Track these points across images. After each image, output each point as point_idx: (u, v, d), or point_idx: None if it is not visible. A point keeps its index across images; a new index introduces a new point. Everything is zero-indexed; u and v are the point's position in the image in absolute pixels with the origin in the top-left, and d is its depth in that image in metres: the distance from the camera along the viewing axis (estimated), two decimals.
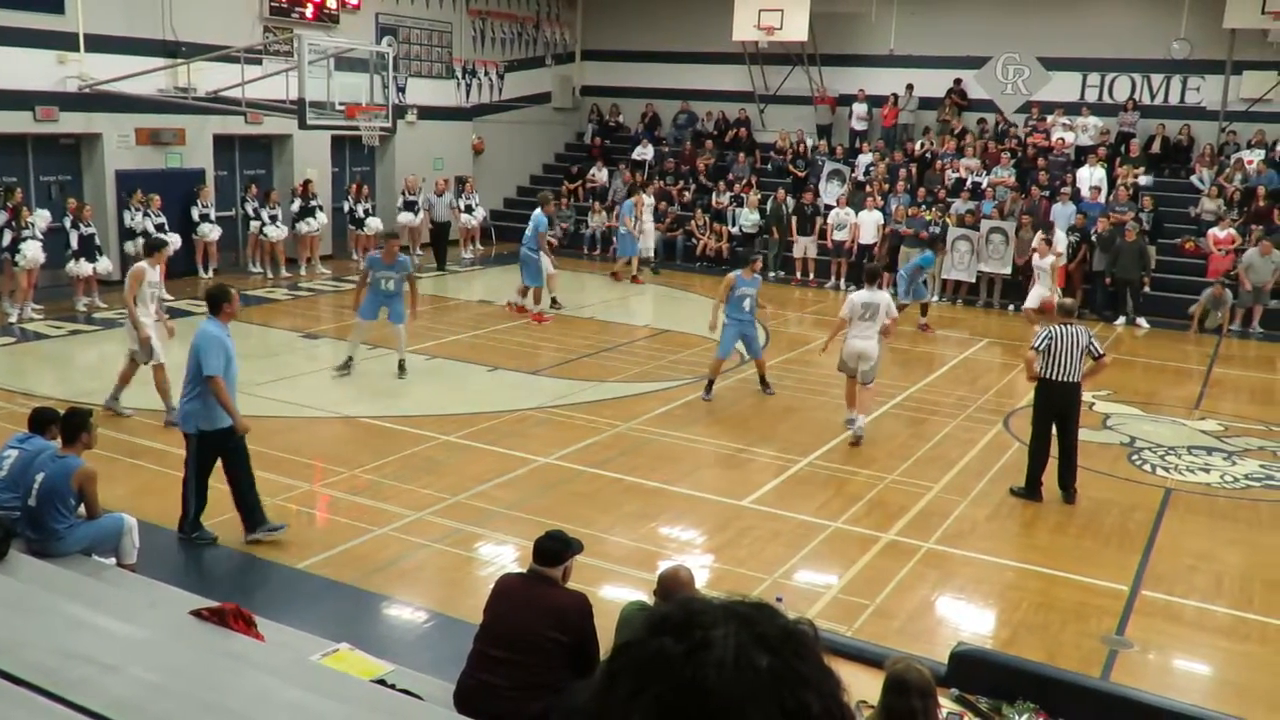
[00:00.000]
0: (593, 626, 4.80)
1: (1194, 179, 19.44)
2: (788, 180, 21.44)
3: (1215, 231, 17.23)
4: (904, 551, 7.71)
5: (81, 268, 14.57)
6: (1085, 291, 17.54)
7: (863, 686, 4.38)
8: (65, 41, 15.28)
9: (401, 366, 11.98)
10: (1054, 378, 8.60)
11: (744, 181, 21.50)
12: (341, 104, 15.72)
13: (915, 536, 7.97)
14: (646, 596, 5.39)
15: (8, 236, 13.75)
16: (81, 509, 6.28)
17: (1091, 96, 21.22)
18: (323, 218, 18.56)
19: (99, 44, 15.55)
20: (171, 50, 16.55)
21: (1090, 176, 19.01)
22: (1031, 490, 8.87)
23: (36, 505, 6.06)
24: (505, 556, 7.35)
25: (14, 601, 4.98)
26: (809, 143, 22.33)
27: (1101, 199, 18.47)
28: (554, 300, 15.70)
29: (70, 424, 6.39)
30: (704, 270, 19.74)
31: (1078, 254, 17.36)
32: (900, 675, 3.92)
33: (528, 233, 15.01)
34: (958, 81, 21.99)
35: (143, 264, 10.09)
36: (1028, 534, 8.26)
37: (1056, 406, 8.75)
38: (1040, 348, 8.57)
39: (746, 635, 1.06)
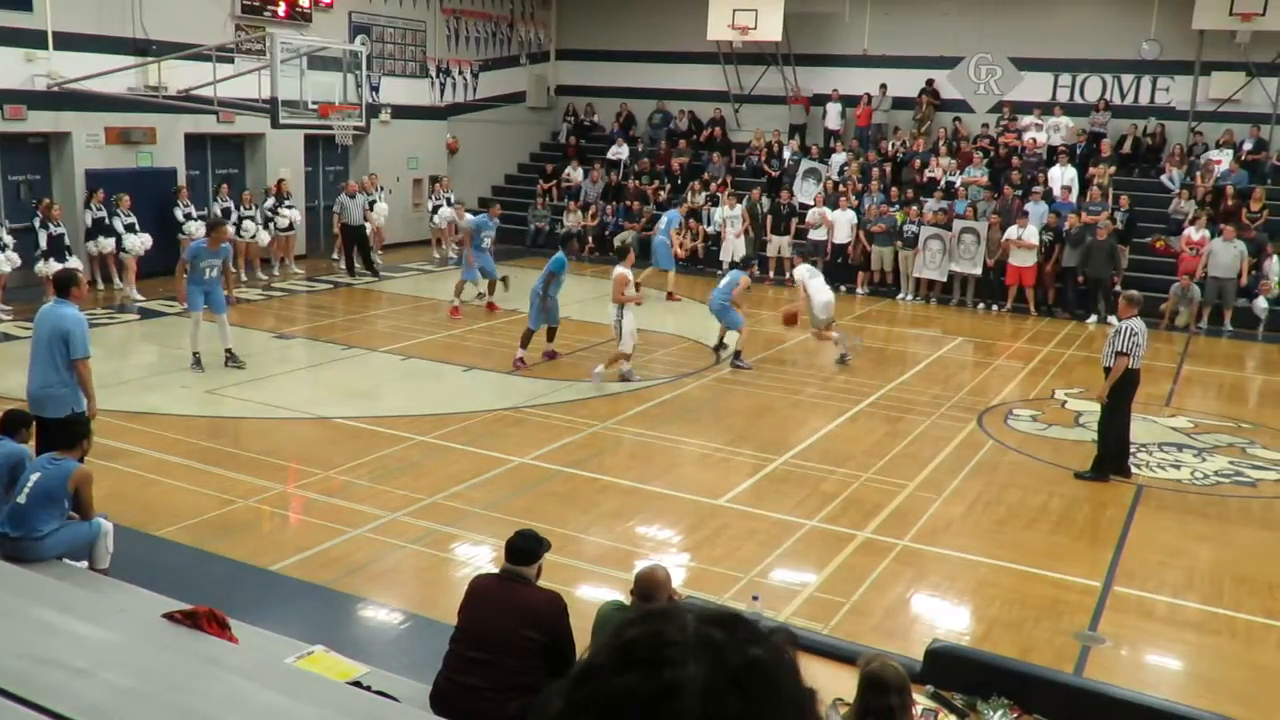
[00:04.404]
0: (568, 625, 4.79)
1: (1164, 179, 19.64)
2: (763, 180, 21.50)
3: (1190, 232, 17.39)
4: (879, 549, 7.74)
5: (50, 268, 14.37)
6: (1058, 290, 17.72)
7: (839, 684, 4.39)
8: (33, 39, 15.10)
9: (232, 355, 12.00)
10: (1137, 365, 9.26)
11: (719, 181, 21.54)
12: (315, 103, 15.62)
13: (890, 534, 8.01)
14: (623, 596, 5.39)
15: None
16: (74, 513, 6.27)
17: (1063, 96, 21.42)
18: (297, 217, 18.41)
19: (68, 42, 15.38)
20: (142, 48, 16.39)
21: (1062, 176, 19.18)
22: (1126, 470, 9.57)
23: (26, 503, 6.01)
24: (481, 557, 7.33)
25: None
26: (783, 142, 22.41)
27: (1073, 198, 18.63)
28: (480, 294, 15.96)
29: (71, 431, 6.46)
30: (680, 270, 19.71)
31: (1052, 253, 17.51)
32: (877, 674, 3.93)
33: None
34: (930, 82, 22.12)
35: None
36: (1001, 531, 8.31)
37: (1134, 392, 9.44)
38: (1129, 349, 9.09)
39: (717, 674, 1.02)
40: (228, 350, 12.01)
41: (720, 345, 13.66)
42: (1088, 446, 9.89)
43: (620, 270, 11.90)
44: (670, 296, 17.47)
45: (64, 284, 7.65)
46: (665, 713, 1.00)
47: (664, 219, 18.50)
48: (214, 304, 11.81)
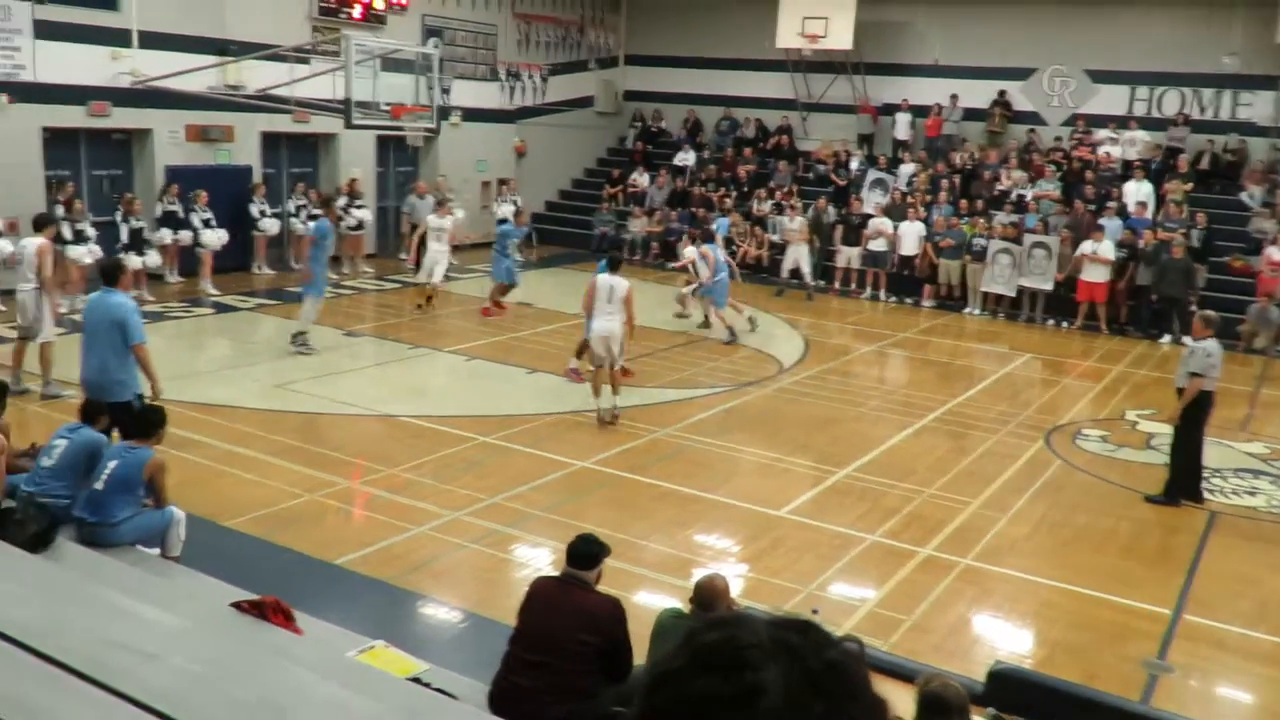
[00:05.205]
0: (626, 630, 4.79)
1: (1244, 196, 19.13)
2: (829, 189, 21.36)
3: (1271, 251, 16.87)
4: (941, 567, 7.64)
5: (131, 261, 14.75)
6: (1131, 308, 17.35)
7: (896, 702, 4.34)
8: (119, 38, 15.52)
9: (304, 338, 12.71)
10: (1212, 387, 8.98)
11: (785, 189, 21.45)
12: (387, 104, 15.82)
13: (953, 552, 7.90)
14: (681, 604, 5.38)
15: (68, 229, 13.94)
16: (148, 500, 6.44)
17: (1140, 110, 20.96)
18: (368, 217, 18.70)
19: (152, 40, 15.77)
20: (222, 48, 16.77)
21: (1137, 191, 18.78)
22: (1198, 495, 9.25)
23: (104, 490, 6.18)
24: (540, 559, 7.37)
25: (59, 588, 5.05)
26: (850, 151, 22.26)
27: (1148, 215, 18.23)
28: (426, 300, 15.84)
29: (148, 420, 6.62)
30: (744, 278, 19.68)
31: (1125, 270, 17.15)
32: (938, 693, 3.88)
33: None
34: (1002, 93, 21.81)
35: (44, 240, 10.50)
36: (1067, 553, 8.15)
37: (1208, 415, 9.15)
38: (1203, 370, 8.87)
39: (797, 676, 1.02)
40: (304, 334, 12.60)
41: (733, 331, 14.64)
42: (1159, 470, 9.66)
43: (628, 284, 10.67)
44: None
45: (112, 272, 8.02)
46: (748, 715, 1.00)
47: (714, 225, 18.68)
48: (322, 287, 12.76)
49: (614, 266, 10.84)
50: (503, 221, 17.75)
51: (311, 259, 12.48)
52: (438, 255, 15.47)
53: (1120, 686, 5.99)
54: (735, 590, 5.87)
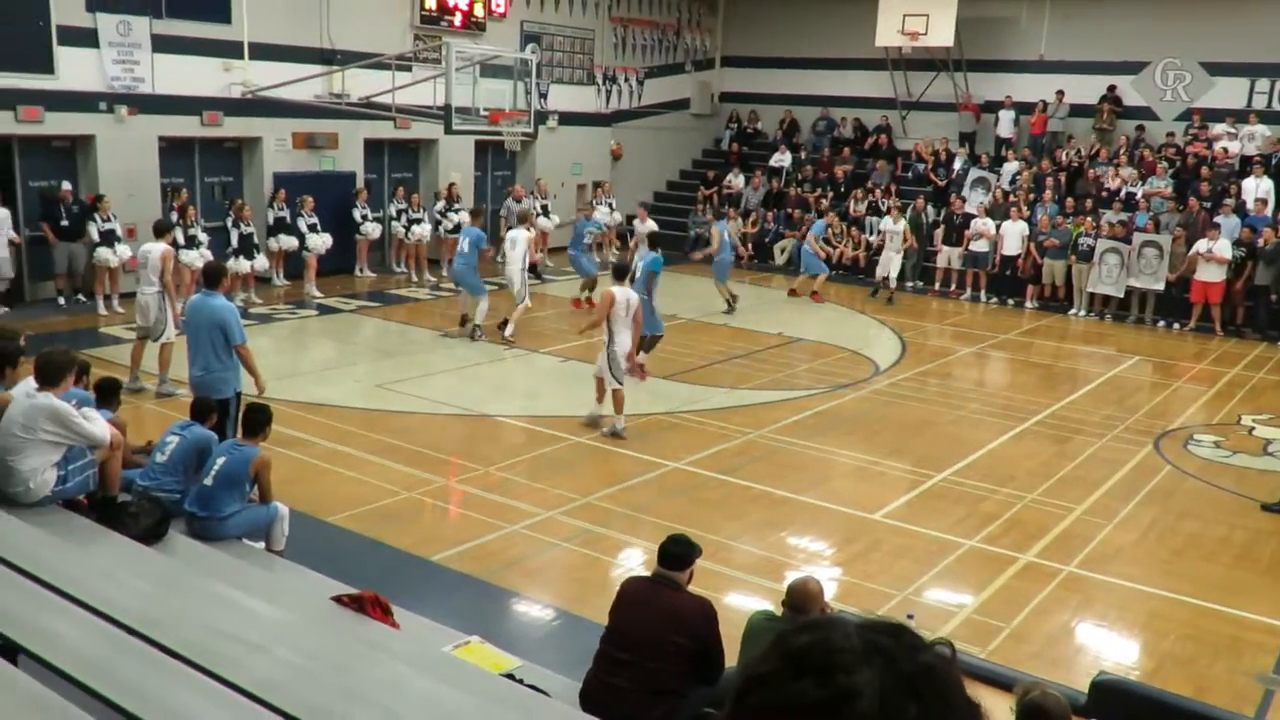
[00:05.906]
0: (717, 631, 4.78)
1: None
2: (928, 189, 20.97)
3: None
4: (1043, 574, 7.44)
5: (240, 265, 15.28)
6: (1248, 309, 16.65)
7: (993, 710, 4.24)
8: (231, 50, 16.07)
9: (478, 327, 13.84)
10: None
11: (883, 189, 21.13)
12: (486, 110, 16.07)
13: (1055, 559, 7.69)
14: (773, 606, 5.35)
15: (180, 235, 14.50)
16: (254, 494, 6.66)
17: (1260, 103, 20.04)
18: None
19: (262, 52, 16.29)
20: (328, 58, 17.25)
21: (1256, 188, 17.99)
22: None
23: (213, 485, 6.42)
24: (632, 559, 7.40)
25: (170, 580, 5.27)
26: (951, 150, 21.81)
27: (1268, 212, 17.46)
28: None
29: (255, 419, 6.84)
30: (840, 279, 19.46)
31: (1242, 269, 16.46)
32: (1038, 703, 3.78)
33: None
34: (1112, 88, 21.11)
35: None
36: (1177, 562, 7.86)
37: None
38: None
39: (891, 679, 1.01)
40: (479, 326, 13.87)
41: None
42: (1277, 477, 9.25)
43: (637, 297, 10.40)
44: (814, 296, 17.73)
45: (214, 276, 8.34)
46: (843, 718, 0.99)
47: (813, 227, 18.89)
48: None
49: (621, 277, 10.30)
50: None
51: (472, 265, 13.67)
52: (513, 271, 14.37)
53: (1233, 701, 5.76)
54: (828, 594, 5.81)
